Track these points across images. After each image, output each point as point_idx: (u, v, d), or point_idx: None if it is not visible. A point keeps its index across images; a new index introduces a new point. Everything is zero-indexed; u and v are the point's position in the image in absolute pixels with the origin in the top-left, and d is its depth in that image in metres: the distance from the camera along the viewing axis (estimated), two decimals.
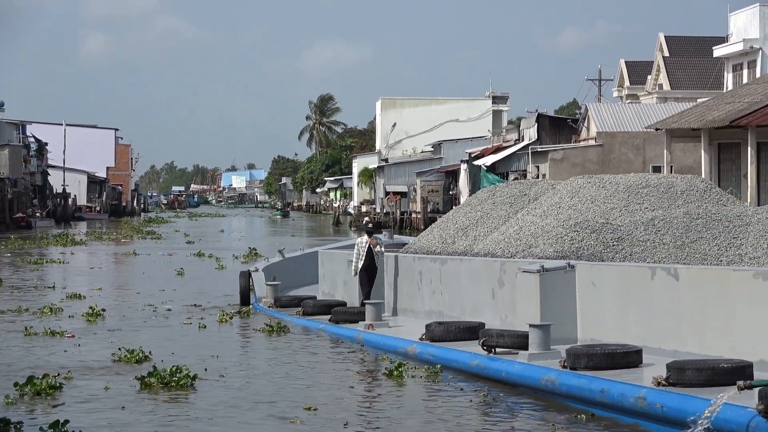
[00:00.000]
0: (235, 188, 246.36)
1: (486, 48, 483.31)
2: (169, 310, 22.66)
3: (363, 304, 18.75)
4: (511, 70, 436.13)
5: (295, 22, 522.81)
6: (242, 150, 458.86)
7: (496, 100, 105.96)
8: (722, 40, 55.37)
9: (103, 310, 21.64)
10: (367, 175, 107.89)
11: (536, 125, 60.81)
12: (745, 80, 48.22)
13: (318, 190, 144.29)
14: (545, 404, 12.32)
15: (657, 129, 39.39)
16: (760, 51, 50.29)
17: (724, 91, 47.51)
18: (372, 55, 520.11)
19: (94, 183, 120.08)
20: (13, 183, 79.53)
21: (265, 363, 15.78)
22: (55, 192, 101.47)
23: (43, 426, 10.65)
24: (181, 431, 11.34)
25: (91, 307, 21.55)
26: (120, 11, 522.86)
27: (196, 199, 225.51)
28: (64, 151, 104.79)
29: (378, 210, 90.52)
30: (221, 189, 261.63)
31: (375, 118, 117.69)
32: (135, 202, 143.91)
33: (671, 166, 38.22)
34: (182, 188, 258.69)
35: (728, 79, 52.51)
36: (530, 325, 13.71)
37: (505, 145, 66.86)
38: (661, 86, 67.02)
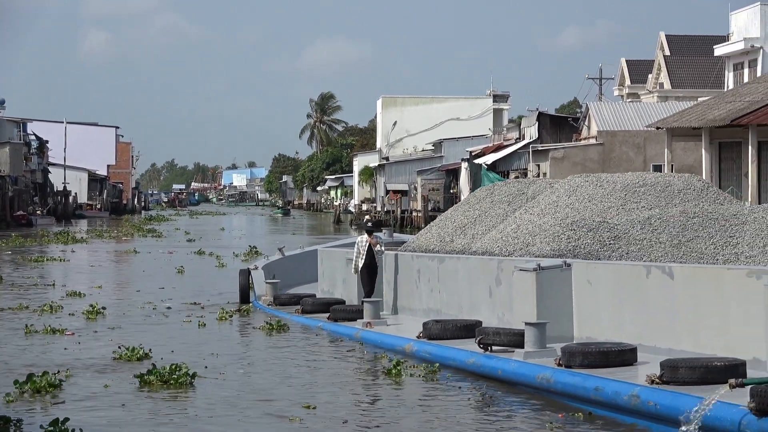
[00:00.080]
0: (235, 186, 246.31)
1: (487, 46, 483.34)
2: (168, 308, 22.68)
3: (363, 303, 18.78)
4: (511, 69, 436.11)
5: (296, 20, 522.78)
6: (243, 148, 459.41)
7: (496, 98, 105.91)
8: (723, 39, 55.37)
9: (104, 308, 21.64)
10: (368, 174, 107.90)
11: (537, 124, 60.81)
12: (745, 79, 48.21)
13: (319, 188, 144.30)
14: (543, 403, 12.36)
15: (658, 128, 39.39)
16: (761, 50, 50.29)
17: (725, 90, 47.52)
18: (373, 54, 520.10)
19: (95, 181, 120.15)
20: (14, 181, 79.57)
21: (264, 361, 15.80)
22: (55, 190, 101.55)
23: (43, 424, 10.65)
24: (181, 429, 11.35)
25: (91, 305, 21.56)
26: (120, 9, 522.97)
27: (196, 197, 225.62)
28: (64, 148, 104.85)
29: (379, 208, 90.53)
30: (222, 187, 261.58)
31: (376, 117, 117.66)
32: (136, 200, 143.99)
33: (672, 165, 38.22)
34: (183, 186, 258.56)
35: (729, 78, 52.50)
36: (526, 324, 13.78)
37: (505, 143, 66.85)
38: (661, 85, 67.01)
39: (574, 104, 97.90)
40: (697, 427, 9.92)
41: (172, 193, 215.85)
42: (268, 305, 22.10)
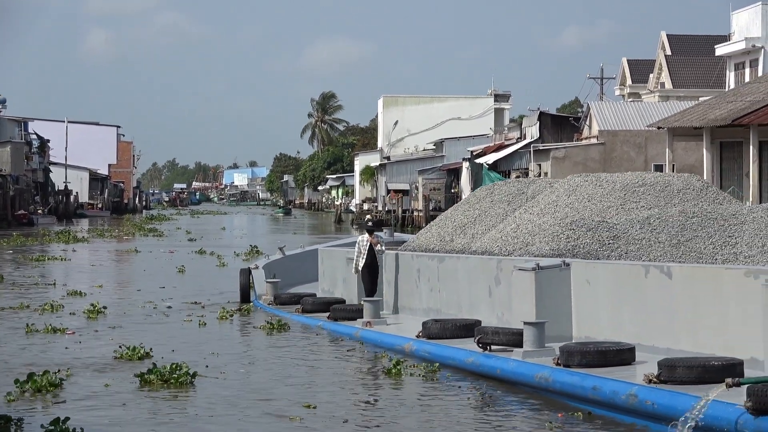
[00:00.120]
0: (237, 186, 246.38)
1: (488, 46, 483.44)
2: (169, 307, 22.70)
3: (363, 302, 18.80)
4: (513, 69, 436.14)
5: (297, 20, 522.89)
6: (244, 147, 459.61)
7: (498, 98, 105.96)
8: (724, 38, 55.37)
9: (104, 307, 21.65)
10: (369, 173, 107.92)
11: (538, 123, 60.82)
12: (747, 79, 48.20)
13: (320, 187, 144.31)
14: (542, 402, 12.38)
15: (659, 127, 39.39)
16: (762, 50, 50.27)
17: (726, 89, 47.51)
18: (374, 53, 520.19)
19: (96, 180, 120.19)
20: (15, 180, 79.60)
21: (265, 360, 15.81)
22: (57, 189, 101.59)
23: (44, 423, 10.66)
24: (181, 429, 11.36)
25: (92, 304, 21.57)
26: (120, 7, 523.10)
27: (198, 197, 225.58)
28: (66, 148, 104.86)
29: (380, 208, 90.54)
30: (223, 186, 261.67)
31: (377, 116, 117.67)
32: (137, 199, 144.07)
33: (673, 165, 38.22)
34: (184, 185, 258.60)
35: (730, 77, 52.49)
36: (524, 323, 13.81)
37: (507, 143, 66.86)
38: (663, 85, 67.00)
39: (576, 104, 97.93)
40: (692, 426, 9.93)
41: (174, 193, 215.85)
42: (269, 304, 22.11)
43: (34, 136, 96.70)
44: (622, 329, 13.74)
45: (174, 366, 13.65)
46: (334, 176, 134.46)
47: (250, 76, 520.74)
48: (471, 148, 74.29)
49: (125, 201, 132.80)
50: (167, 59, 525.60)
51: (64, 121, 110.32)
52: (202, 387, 13.39)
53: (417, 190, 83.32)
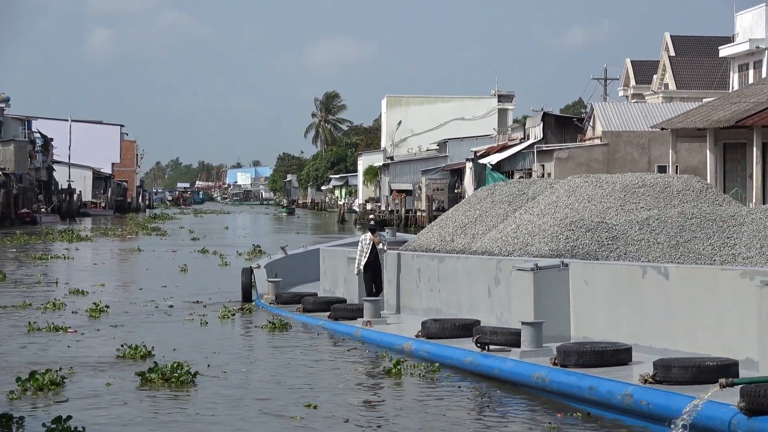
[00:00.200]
0: (240, 185, 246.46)
1: (491, 46, 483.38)
2: (171, 306, 22.71)
3: (363, 302, 18.84)
4: (516, 69, 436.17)
5: (300, 19, 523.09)
6: (247, 147, 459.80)
7: (501, 98, 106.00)
8: (728, 40, 55.33)
9: (107, 306, 21.66)
10: (373, 173, 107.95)
11: (542, 124, 60.82)
12: (750, 80, 48.17)
13: (323, 187, 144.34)
14: (542, 403, 12.42)
15: (662, 129, 39.39)
16: (766, 51, 50.21)
17: (730, 91, 47.48)
18: (377, 53, 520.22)
19: (100, 179, 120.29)
20: (19, 178, 79.68)
21: (266, 360, 15.81)
22: (60, 188, 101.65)
23: (46, 422, 10.66)
24: (182, 427, 11.37)
25: (94, 303, 21.58)
26: (123, 7, 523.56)
27: (201, 196, 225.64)
28: (69, 146, 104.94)
29: (383, 208, 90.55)
30: (226, 186, 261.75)
31: (380, 116, 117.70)
32: (140, 198, 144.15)
33: (676, 166, 38.22)
34: (187, 185, 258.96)
35: (734, 79, 52.45)
36: (522, 323, 13.89)
37: (510, 143, 66.86)
38: (666, 86, 66.96)
39: (579, 104, 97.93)
40: (687, 425, 9.97)
41: (177, 192, 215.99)
42: (270, 304, 22.13)
43: (38, 135, 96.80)
44: (620, 329, 13.80)
45: (175, 365, 13.66)
46: (338, 176, 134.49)
47: (252, 76, 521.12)
48: (474, 149, 74.30)
49: (128, 200, 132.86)
50: (170, 58, 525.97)
51: (67, 120, 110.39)
52: (203, 386, 13.40)
53: (420, 190, 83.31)
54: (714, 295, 12.51)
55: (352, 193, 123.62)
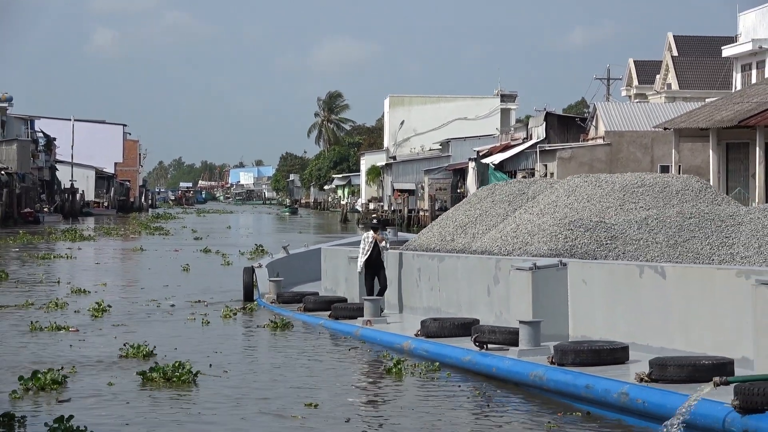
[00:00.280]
0: (242, 185, 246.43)
1: (494, 46, 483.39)
2: (172, 305, 22.72)
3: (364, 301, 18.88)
4: (519, 69, 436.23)
5: (302, 19, 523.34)
6: (250, 146, 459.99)
7: (504, 98, 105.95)
8: (731, 40, 55.26)
9: (109, 306, 21.67)
10: (375, 173, 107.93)
11: (544, 124, 60.78)
12: (753, 80, 48.11)
13: (326, 187, 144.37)
14: (542, 402, 12.47)
15: (665, 128, 39.37)
16: None
17: (733, 91, 47.43)
18: (380, 52, 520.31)
19: (102, 178, 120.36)
20: (21, 178, 79.76)
21: (267, 359, 15.83)
22: (63, 187, 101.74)
23: (48, 422, 10.67)
24: (184, 427, 11.37)
25: (97, 303, 21.61)
26: (126, 6, 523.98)
27: (203, 196, 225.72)
28: (72, 146, 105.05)
29: (386, 207, 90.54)
30: (229, 185, 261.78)
31: (383, 116, 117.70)
32: (143, 198, 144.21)
33: (679, 166, 38.19)
34: (190, 184, 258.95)
35: (737, 79, 52.38)
36: (520, 322, 13.96)
37: (513, 143, 66.83)
38: (669, 86, 66.93)
39: (582, 104, 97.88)
40: (681, 423, 10.02)
41: (179, 191, 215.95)
42: (272, 303, 22.16)
43: (41, 135, 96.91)
44: (617, 328, 13.88)
45: (176, 364, 13.66)
46: (340, 176, 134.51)
47: (255, 75, 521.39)
48: (477, 148, 74.27)
49: (131, 199, 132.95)
50: (173, 58, 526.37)
51: (70, 120, 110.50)
52: (204, 386, 13.41)
53: (423, 190, 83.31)
54: (710, 294, 12.59)
55: (355, 192, 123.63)
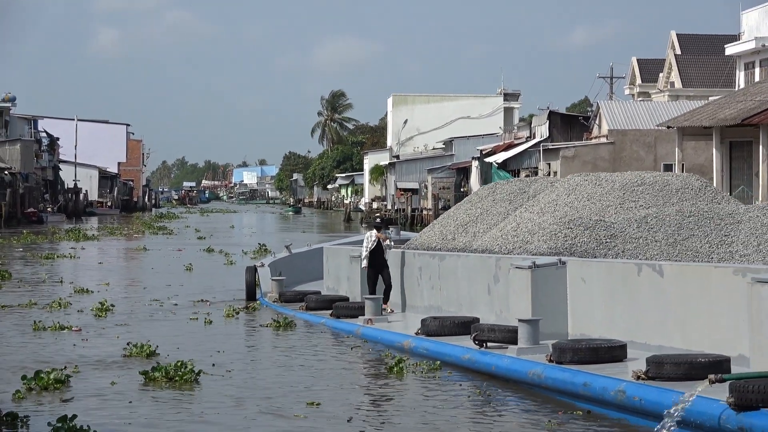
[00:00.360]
0: (246, 184, 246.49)
1: (497, 45, 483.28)
2: (175, 305, 22.74)
3: (364, 300, 18.91)
4: (522, 68, 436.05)
5: (306, 18, 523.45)
6: (253, 146, 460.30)
7: (507, 97, 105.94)
8: (734, 38, 55.21)
9: (112, 305, 21.70)
10: (379, 172, 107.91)
11: (548, 122, 60.78)
12: (757, 78, 48.07)
13: (329, 186, 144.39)
14: (542, 400, 12.52)
15: (669, 127, 39.35)
16: None
17: (736, 89, 47.38)
18: (383, 51, 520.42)
19: (106, 178, 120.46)
20: (25, 178, 79.80)
21: (269, 358, 15.84)
22: (66, 187, 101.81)
23: (51, 421, 10.69)
24: (186, 426, 11.38)
25: (100, 302, 21.64)
26: (128, 6, 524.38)
27: (207, 195, 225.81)
28: (75, 146, 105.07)
29: (389, 207, 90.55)
30: (232, 185, 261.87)
31: (386, 115, 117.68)
32: (146, 197, 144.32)
33: (683, 164, 38.16)
34: (193, 184, 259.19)
35: (740, 77, 52.33)
36: (519, 320, 14.02)
37: (516, 142, 66.84)
38: (672, 84, 66.89)
39: (585, 103, 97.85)
40: (676, 421, 10.08)
41: (183, 191, 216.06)
42: (274, 302, 22.19)
43: (44, 134, 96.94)
44: (616, 326, 13.95)
45: (179, 364, 13.67)
46: (344, 175, 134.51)
47: (259, 75, 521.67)
48: (480, 147, 74.27)
49: (134, 199, 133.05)
50: (175, 57, 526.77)
51: (73, 119, 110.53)
52: (207, 385, 13.42)
53: (426, 189, 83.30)
54: (707, 292, 12.67)
55: (358, 192, 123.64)
